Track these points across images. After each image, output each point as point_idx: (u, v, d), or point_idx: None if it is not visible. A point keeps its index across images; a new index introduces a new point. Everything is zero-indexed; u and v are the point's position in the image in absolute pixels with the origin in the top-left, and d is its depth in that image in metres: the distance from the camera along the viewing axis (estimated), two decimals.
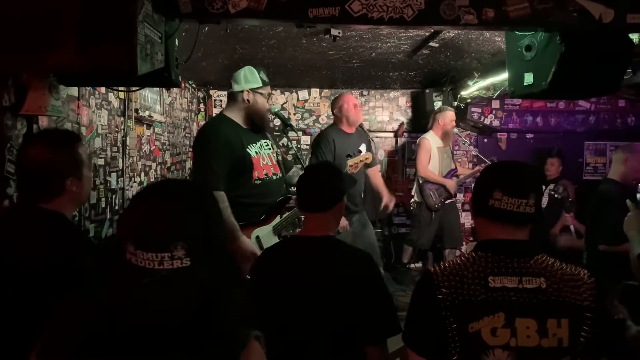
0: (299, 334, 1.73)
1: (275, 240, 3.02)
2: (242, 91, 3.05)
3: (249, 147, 3.00)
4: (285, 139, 6.07)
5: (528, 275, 1.41)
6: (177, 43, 2.25)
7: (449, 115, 5.30)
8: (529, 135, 6.59)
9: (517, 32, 2.35)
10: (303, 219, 1.95)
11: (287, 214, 3.13)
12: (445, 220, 5.49)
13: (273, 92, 6.24)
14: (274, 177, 3.11)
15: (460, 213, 6.59)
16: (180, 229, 1.06)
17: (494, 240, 1.48)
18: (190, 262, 1.04)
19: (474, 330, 1.37)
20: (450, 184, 5.35)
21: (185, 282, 1.05)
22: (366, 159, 3.78)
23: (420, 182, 5.34)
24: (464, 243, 6.51)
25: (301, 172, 2.01)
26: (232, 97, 3.12)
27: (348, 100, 4.28)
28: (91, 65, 1.70)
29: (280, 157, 3.26)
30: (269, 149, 3.16)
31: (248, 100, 3.05)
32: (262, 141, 3.14)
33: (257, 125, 3.11)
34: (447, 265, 1.48)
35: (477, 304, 1.38)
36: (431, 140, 5.32)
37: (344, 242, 1.97)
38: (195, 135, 3.32)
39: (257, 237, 2.96)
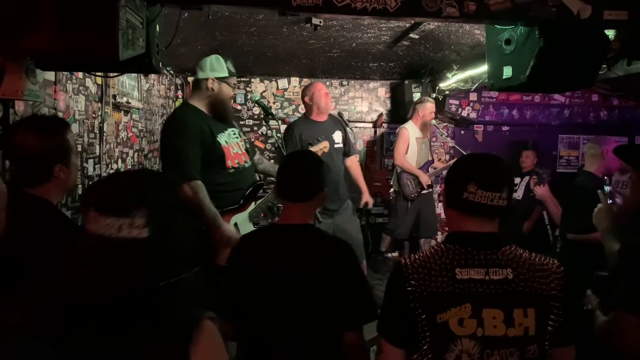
0: (277, 320, 1.75)
1: (251, 227, 3.04)
2: (206, 79, 3.00)
3: (218, 136, 2.97)
4: (264, 128, 6.08)
5: (495, 267, 1.44)
6: (157, 29, 2.22)
7: (429, 106, 5.35)
8: (505, 128, 6.70)
9: (497, 26, 2.38)
10: (280, 206, 1.95)
11: (260, 200, 3.14)
12: (421, 211, 5.57)
13: (252, 80, 6.22)
14: (246, 165, 3.11)
15: (436, 204, 6.69)
16: (143, 196, 1.07)
17: (462, 232, 1.51)
18: (148, 234, 1.04)
19: (442, 321, 1.40)
20: (424, 177, 5.41)
21: (140, 255, 1.04)
22: (325, 147, 3.72)
23: (399, 171, 5.39)
24: (440, 233, 6.60)
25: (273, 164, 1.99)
26: (197, 85, 3.06)
27: (319, 89, 4.26)
28: (71, 49, 1.68)
29: (247, 145, 3.24)
30: (237, 137, 3.14)
31: (212, 88, 3.01)
32: (229, 130, 3.11)
33: (221, 114, 3.06)
34: (416, 257, 1.50)
35: (444, 296, 1.41)
36: (410, 131, 5.37)
37: (323, 230, 1.99)
38: (164, 123, 3.21)
39: (235, 224, 2.97)
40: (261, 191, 3.23)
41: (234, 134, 3.14)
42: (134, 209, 1.04)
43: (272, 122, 3.35)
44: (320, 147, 3.64)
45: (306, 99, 4.27)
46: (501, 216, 1.50)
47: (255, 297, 1.77)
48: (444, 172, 5.96)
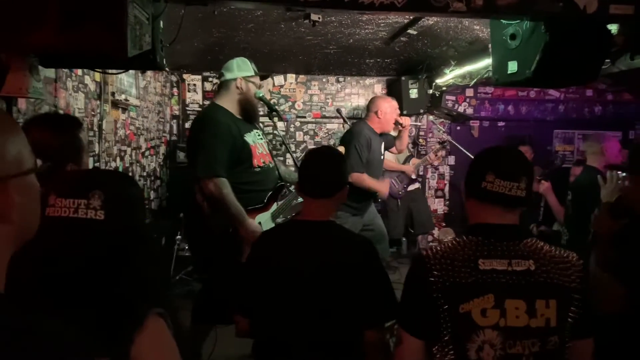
0: (296, 317, 1.73)
1: (272, 226, 3.05)
2: (235, 79, 3.06)
3: (245, 135, 3.02)
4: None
5: (517, 258, 1.44)
6: (162, 25, 2.20)
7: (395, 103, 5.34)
8: (501, 124, 6.72)
9: (503, 21, 2.37)
10: (301, 203, 1.93)
11: (282, 201, 3.18)
12: (413, 207, 5.62)
13: None
14: (270, 165, 3.16)
15: (432, 199, 6.72)
16: (99, 180, 1.14)
17: (484, 224, 1.51)
18: (103, 217, 1.08)
19: (465, 311, 1.40)
20: (409, 169, 5.46)
21: (95, 234, 1.07)
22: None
23: None
24: (436, 228, 6.63)
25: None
26: (224, 86, 3.11)
27: (393, 110, 4.17)
28: (78, 45, 1.65)
29: (269, 147, 3.30)
30: (261, 138, 3.20)
31: (241, 88, 3.07)
32: (255, 131, 3.17)
33: (250, 114, 3.13)
34: (438, 248, 1.51)
35: (467, 286, 1.41)
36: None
37: (344, 227, 1.97)
38: (193, 122, 3.25)
39: (259, 223, 2.99)
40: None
41: (259, 135, 3.19)
42: (90, 191, 1.08)
43: (276, 119, 3.34)
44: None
45: (379, 113, 4.10)
46: (521, 207, 1.50)
47: (274, 293, 1.75)
48: (427, 163, 6.02)
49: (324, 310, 1.71)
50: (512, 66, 2.37)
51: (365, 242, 1.84)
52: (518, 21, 2.30)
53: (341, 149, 3.69)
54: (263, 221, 3.03)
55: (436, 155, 5.56)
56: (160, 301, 1.14)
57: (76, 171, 1.17)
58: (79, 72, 3.02)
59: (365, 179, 3.90)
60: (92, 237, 1.07)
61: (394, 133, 4.42)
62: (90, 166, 3.24)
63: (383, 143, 4.25)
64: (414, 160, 5.79)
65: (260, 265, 1.82)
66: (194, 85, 6.15)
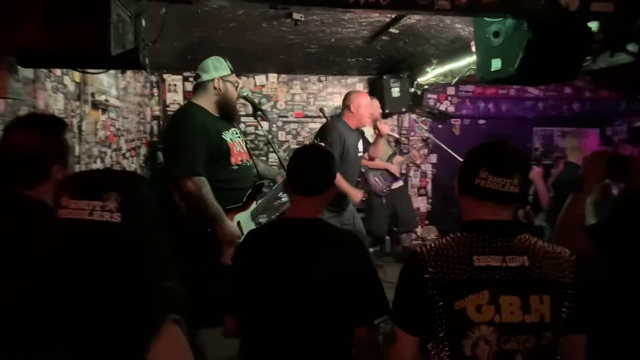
0: (285, 316, 1.72)
1: (253, 225, 3.05)
2: (212, 80, 3.05)
3: (223, 133, 3.01)
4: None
5: (511, 254, 1.45)
6: (144, 24, 2.17)
7: (376, 103, 5.36)
8: (482, 121, 6.78)
9: (486, 19, 2.39)
10: (286, 201, 1.92)
11: (261, 200, 3.17)
12: (397, 206, 5.64)
13: None
14: (248, 164, 3.15)
15: (416, 197, 6.75)
16: (115, 182, 1.10)
17: (478, 220, 1.52)
18: (120, 220, 1.04)
19: (460, 308, 1.41)
20: (393, 167, 5.49)
21: (111, 238, 1.04)
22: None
23: (364, 171, 5.39)
24: (420, 226, 6.67)
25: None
26: (202, 87, 3.10)
27: (366, 104, 4.12)
28: (60, 44, 1.62)
29: (247, 145, 3.29)
30: (239, 136, 3.19)
31: (219, 88, 3.06)
32: (233, 129, 3.15)
33: (228, 113, 3.12)
34: (433, 245, 1.51)
35: (462, 283, 1.42)
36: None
37: (333, 224, 1.97)
38: (169, 120, 3.25)
39: (238, 222, 2.98)
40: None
41: (236, 133, 3.18)
42: (105, 192, 1.04)
43: (260, 119, 3.33)
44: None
45: (352, 107, 4.05)
46: (515, 203, 1.51)
47: (264, 292, 1.74)
48: (410, 161, 6.05)
49: (314, 308, 1.70)
50: (496, 64, 2.39)
51: (354, 239, 1.85)
52: (501, 19, 2.32)
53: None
54: (242, 220, 3.01)
55: (419, 153, 5.60)
56: (175, 307, 1.13)
57: (89, 171, 1.15)
58: (58, 72, 2.96)
59: (337, 180, 3.84)
60: (109, 240, 1.04)
61: (370, 139, 4.42)
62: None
63: (361, 139, 4.23)
64: (397, 158, 5.82)
65: (249, 264, 1.80)
66: (175, 85, 6.08)
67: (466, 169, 1.55)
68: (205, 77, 3.06)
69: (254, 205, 3.12)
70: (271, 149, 3.44)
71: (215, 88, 3.05)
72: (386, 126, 4.35)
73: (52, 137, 1.68)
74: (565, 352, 1.46)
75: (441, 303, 1.41)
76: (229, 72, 3.10)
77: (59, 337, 0.98)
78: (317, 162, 1.87)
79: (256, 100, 6.12)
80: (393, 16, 3.59)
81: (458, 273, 1.42)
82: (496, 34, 2.36)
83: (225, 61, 3.11)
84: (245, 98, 3.15)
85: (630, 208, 1.87)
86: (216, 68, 3.07)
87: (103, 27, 1.60)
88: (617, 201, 2.01)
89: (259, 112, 3.24)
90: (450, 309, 1.41)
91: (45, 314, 1.00)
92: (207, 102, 3.07)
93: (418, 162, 6.34)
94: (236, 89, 3.15)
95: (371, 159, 4.74)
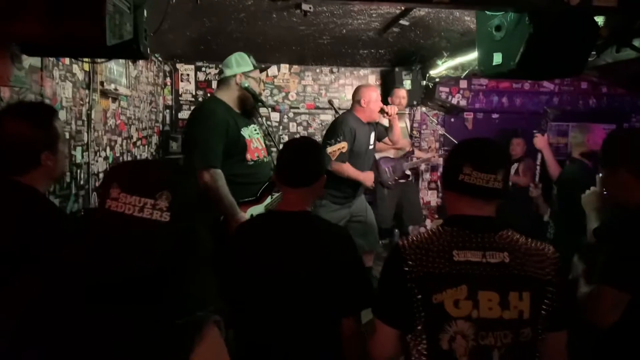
0: (273, 307, 1.75)
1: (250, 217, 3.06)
2: (234, 76, 3.15)
3: (242, 129, 3.10)
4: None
5: (492, 250, 1.46)
6: (145, 14, 2.19)
7: (402, 93, 5.33)
8: (495, 115, 6.70)
9: (488, 12, 2.37)
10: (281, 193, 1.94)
11: (276, 195, 3.21)
12: (403, 199, 5.59)
13: None
14: (265, 160, 3.23)
15: (426, 191, 6.72)
16: (168, 180, 1.08)
17: (460, 215, 1.53)
18: (169, 219, 1.03)
19: (438, 302, 1.42)
20: (404, 142, 5.37)
21: (159, 237, 1.03)
22: (343, 147, 3.74)
23: (377, 158, 5.33)
24: (428, 220, 6.64)
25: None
26: (225, 82, 3.20)
27: (376, 99, 4.12)
28: (57, 35, 1.65)
29: (266, 142, 3.36)
30: (258, 133, 3.28)
31: (241, 84, 3.15)
32: (252, 125, 3.25)
33: (248, 109, 3.21)
34: (414, 238, 1.52)
35: (441, 276, 1.43)
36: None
37: (321, 217, 1.99)
38: (191, 114, 3.32)
39: (252, 216, 3.01)
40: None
41: (255, 130, 3.27)
42: (158, 191, 1.03)
43: (262, 110, 3.35)
44: (338, 148, 3.67)
45: (362, 102, 4.06)
46: (498, 199, 1.51)
47: (251, 284, 1.77)
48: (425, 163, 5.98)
49: (301, 300, 1.72)
50: (497, 58, 2.37)
51: (341, 231, 1.86)
52: (503, 13, 2.29)
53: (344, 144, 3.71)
54: (255, 214, 3.04)
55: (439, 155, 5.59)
56: (214, 307, 1.13)
57: (142, 163, 1.12)
58: (67, 61, 3.01)
59: (345, 169, 3.89)
60: (157, 239, 1.03)
61: (385, 123, 4.39)
62: (78, 156, 3.24)
63: (373, 133, 4.23)
64: (419, 153, 5.78)
65: (237, 256, 1.83)
66: (187, 75, 6.12)
67: (450, 164, 1.56)
68: (227, 72, 3.16)
69: (268, 200, 3.17)
70: (269, 141, 3.45)
71: (237, 84, 3.15)
72: (394, 107, 4.29)
73: (41, 124, 1.71)
74: (546, 350, 1.46)
75: (420, 296, 1.42)
76: (252, 68, 3.19)
77: (100, 336, 0.97)
78: (303, 154, 1.89)
79: (266, 91, 6.18)
80: (402, 8, 3.57)
81: (437, 267, 1.43)
82: (498, 28, 2.33)
83: (249, 57, 3.20)
84: (246, 89, 3.17)
85: None
86: (239, 64, 3.16)
87: (98, 19, 1.62)
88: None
89: (259, 103, 3.26)
90: (428, 302, 1.42)
91: (77, 310, 0.98)
92: (229, 97, 3.16)
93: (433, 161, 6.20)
94: (259, 85, 3.24)
95: (393, 143, 4.70)
